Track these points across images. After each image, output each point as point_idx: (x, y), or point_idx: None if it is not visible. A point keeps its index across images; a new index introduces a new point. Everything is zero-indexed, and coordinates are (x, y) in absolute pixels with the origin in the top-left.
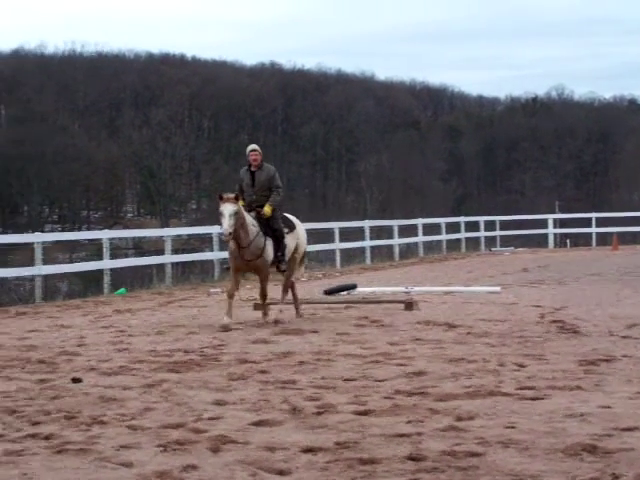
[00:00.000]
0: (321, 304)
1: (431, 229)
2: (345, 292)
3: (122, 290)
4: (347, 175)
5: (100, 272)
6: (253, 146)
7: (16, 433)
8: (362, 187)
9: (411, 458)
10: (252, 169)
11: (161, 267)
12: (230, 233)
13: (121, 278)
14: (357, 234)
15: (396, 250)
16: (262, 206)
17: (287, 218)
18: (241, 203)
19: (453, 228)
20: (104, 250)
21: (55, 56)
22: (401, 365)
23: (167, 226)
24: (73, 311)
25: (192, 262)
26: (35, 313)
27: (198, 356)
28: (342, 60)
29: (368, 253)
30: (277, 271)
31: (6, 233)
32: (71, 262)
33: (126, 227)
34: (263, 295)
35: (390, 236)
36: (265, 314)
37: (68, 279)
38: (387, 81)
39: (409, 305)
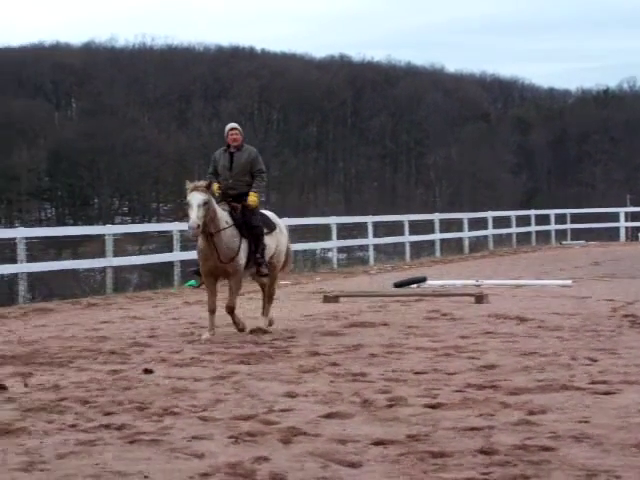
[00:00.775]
0: (391, 297)
1: (501, 222)
2: (415, 285)
3: (192, 282)
4: (416, 168)
5: (170, 264)
6: (233, 124)
7: (89, 423)
8: (431, 180)
9: (483, 452)
10: (231, 150)
11: None
12: (198, 226)
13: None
14: (426, 227)
15: (466, 243)
16: (239, 196)
17: (266, 216)
18: (216, 187)
19: (523, 221)
20: (174, 242)
21: (126, 49)
22: (472, 358)
23: None
24: (144, 302)
25: None
26: (106, 304)
27: (269, 348)
28: (412, 52)
29: (438, 246)
30: (258, 275)
31: (77, 225)
32: (140, 254)
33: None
34: (230, 306)
35: (460, 229)
36: (237, 324)
37: (138, 271)
38: (457, 73)
39: (479, 298)
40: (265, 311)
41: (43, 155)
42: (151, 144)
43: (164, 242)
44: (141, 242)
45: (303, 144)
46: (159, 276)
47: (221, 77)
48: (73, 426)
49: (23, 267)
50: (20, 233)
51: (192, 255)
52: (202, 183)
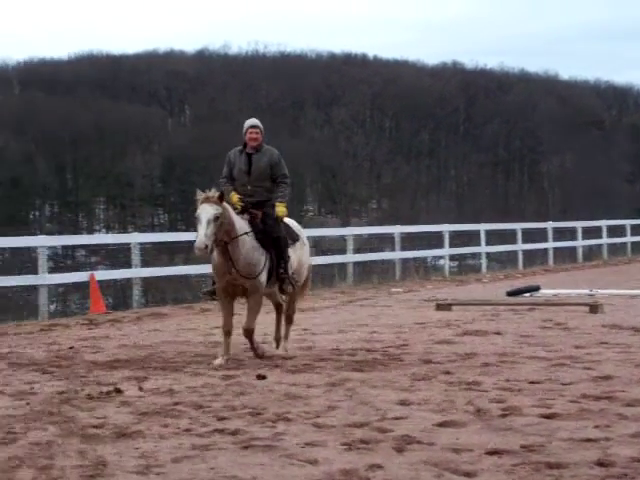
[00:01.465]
0: (504, 305)
1: (615, 231)
2: (528, 294)
3: None
4: (529, 176)
5: None
6: (253, 121)
7: (203, 428)
8: (544, 188)
9: (599, 464)
10: (248, 151)
11: (342, 266)
12: (206, 246)
13: None
14: (539, 235)
15: (579, 252)
16: (257, 204)
17: (289, 225)
18: (236, 198)
19: (638, 230)
20: None
21: (239, 56)
22: (587, 369)
23: (348, 225)
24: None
25: (373, 261)
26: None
27: (381, 355)
28: (525, 59)
29: (551, 254)
30: (280, 293)
31: (189, 231)
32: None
33: (307, 226)
34: (248, 329)
35: (573, 238)
36: (255, 349)
37: None
38: (571, 80)
39: (594, 308)
40: (285, 334)
41: (157, 161)
42: None
43: None
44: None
45: (415, 151)
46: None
47: (333, 84)
48: (188, 430)
49: (137, 272)
50: (134, 238)
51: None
52: (214, 194)
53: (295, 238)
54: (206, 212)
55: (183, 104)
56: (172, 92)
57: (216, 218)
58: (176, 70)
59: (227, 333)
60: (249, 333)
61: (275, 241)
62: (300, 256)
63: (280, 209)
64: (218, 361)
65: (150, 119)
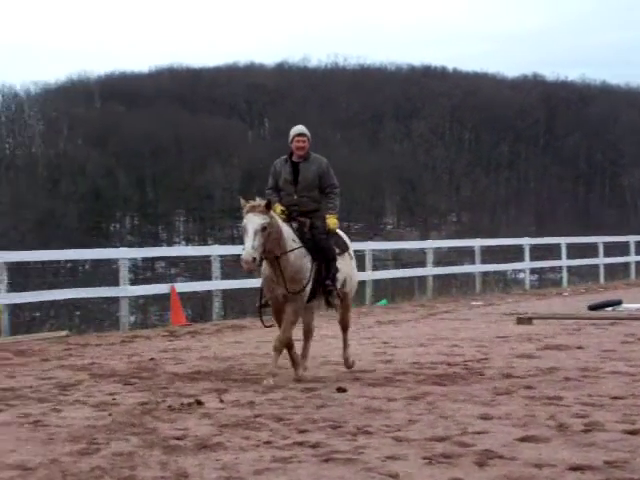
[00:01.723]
0: (586, 319)
1: None
2: (610, 308)
3: (384, 301)
4: (610, 189)
5: (361, 283)
6: (300, 128)
7: (283, 440)
8: (626, 201)
9: None
10: (295, 159)
11: (422, 279)
12: (254, 259)
13: (382, 289)
14: (621, 249)
15: None
16: (306, 213)
17: (338, 235)
18: (279, 210)
19: None
20: (366, 261)
21: (318, 69)
22: None
23: (427, 238)
24: (335, 321)
25: (452, 275)
26: (299, 322)
27: (462, 369)
28: (606, 71)
29: (633, 268)
30: (326, 306)
31: None
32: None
33: (386, 239)
34: (283, 341)
35: None
36: (295, 363)
37: None
38: None
39: None
40: (344, 344)
41: (236, 174)
42: (343, 163)
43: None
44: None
45: (495, 164)
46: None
47: (413, 97)
48: (268, 443)
49: (217, 284)
50: (215, 251)
51: (384, 275)
52: (261, 202)
53: (344, 248)
54: (253, 222)
55: (263, 117)
56: (252, 105)
57: (263, 228)
58: (256, 83)
59: (289, 348)
60: (282, 343)
61: (323, 252)
62: (350, 266)
63: (331, 221)
64: (267, 382)
65: (230, 132)
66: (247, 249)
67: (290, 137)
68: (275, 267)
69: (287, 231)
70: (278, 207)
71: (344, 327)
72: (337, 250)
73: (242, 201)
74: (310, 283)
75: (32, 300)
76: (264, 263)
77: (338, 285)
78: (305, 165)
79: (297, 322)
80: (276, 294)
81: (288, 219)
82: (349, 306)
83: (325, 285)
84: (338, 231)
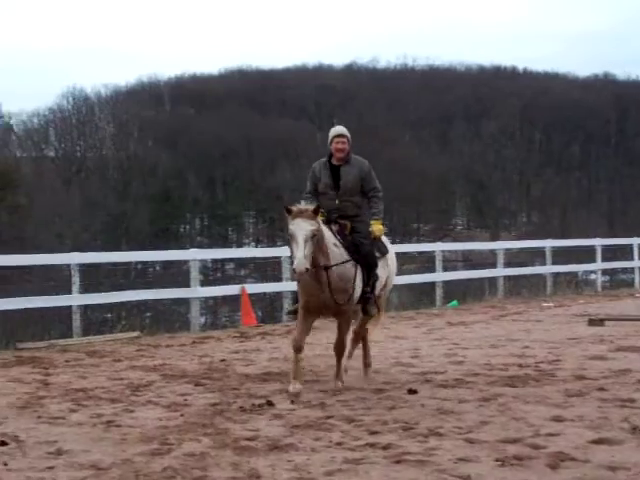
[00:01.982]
0: None
1: None
2: None
3: (454, 302)
4: None
5: (431, 284)
6: (340, 129)
7: (355, 442)
8: None
9: None
10: (335, 162)
11: (492, 280)
12: (307, 270)
13: (452, 290)
14: None
15: None
16: (347, 218)
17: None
18: (320, 217)
19: None
20: (437, 262)
21: (387, 70)
22: None
23: (497, 239)
24: (406, 322)
25: (523, 275)
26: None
27: (534, 371)
28: None
29: None
30: (363, 314)
31: None
32: (401, 274)
33: (455, 239)
34: (340, 349)
35: None
36: (339, 376)
37: (398, 290)
38: None
39: None
40: (365, 359)
41: (306, 175)
42: (412, 164)
43: (424, 262)
44: (401, 261)
45: (565, 164)
46: (421, 296)
47: (483, 97)
48: (339, 444)
49: (287, 285)
50: (284, 252)
51: (454, 276)
52: (309, 207)
53: (384, 251)
54: (302, 229)
55: (332, 118)
56: (321, 106)
57: (313, 235)
58: (325, 84)
59: (298, 349)
60: (341, 349)
61: (365, 258)
62: (389, 271)
63: (377, 227)
64: (292, 388)
65: (299, 133)
66: (299, 259)
67: (329, 138)
68: (320, 277)
69: (328, 235)
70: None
71: (365, 338)
72: (377, 254)
73: (287, 207)
74: (359, 290)
75: (104, 301)
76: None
77: (376, 294)
78: (346, 168)
79: (350, 328)
80: (314, 301)
81: (327, 221)
82: (381, 309)
83: (364, 292)
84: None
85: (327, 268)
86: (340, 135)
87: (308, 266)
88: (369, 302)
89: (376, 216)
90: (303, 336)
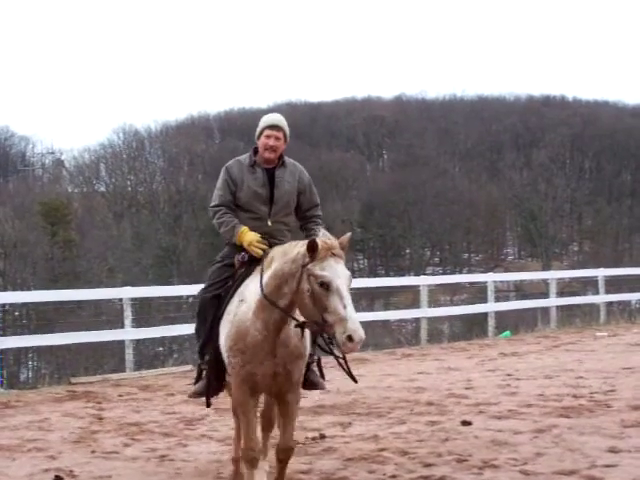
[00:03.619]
0: None
1: None
2: None
3: (507, 333)
4: None
5: (483, 315)
6: (275, 117)
7: (409, 474)
8: None
9: None
10: (267, 165)
11: (545, 310)
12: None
13: (504, 321)
14: None
15: None
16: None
17: None
18: (250, 236)
19: None
20: (488, 293)
21: (436, 100)
22: None
23: (549, 268)
24: (458, 353)
25: (576, 305)
26: (421, 355)
27: (588, 401)
28: None
29: None
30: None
31: (388, 276)
32: (452, 304)
33: (507, 270)
34: (290, 450)
35: None
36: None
37: (449, 321)
38: None
39: None
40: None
41: (356, 206)
42: (462, 194)
43: (476, 292)
44: (453, 292)
45: (617, 192)
46: (472, 327)
47: (532, 126)
48: (393, 477)
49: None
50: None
51: (506, 306)
52: (336, 242)
53: None
54: (343, 276)
55: (381, 149)
56: (370, 137)
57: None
58: (374, 115)
59: (253, 461)
60: (291, 450)
61: None
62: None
63: None
64: None
65: (349, 165)
66: (353, 319)
67: (258, 130)
68: (273, 336)
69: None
70: (249, 234)
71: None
72: None
73: (311, 242)
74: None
75: (156, 335)
76: (252, 322)
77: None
78: (282, 174)
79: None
80: (261, 370)
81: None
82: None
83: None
84: None
85: (304, 324)
86: (275, 126)
87: (364, 335)
88: (313, 371)
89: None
90: (256, 435)
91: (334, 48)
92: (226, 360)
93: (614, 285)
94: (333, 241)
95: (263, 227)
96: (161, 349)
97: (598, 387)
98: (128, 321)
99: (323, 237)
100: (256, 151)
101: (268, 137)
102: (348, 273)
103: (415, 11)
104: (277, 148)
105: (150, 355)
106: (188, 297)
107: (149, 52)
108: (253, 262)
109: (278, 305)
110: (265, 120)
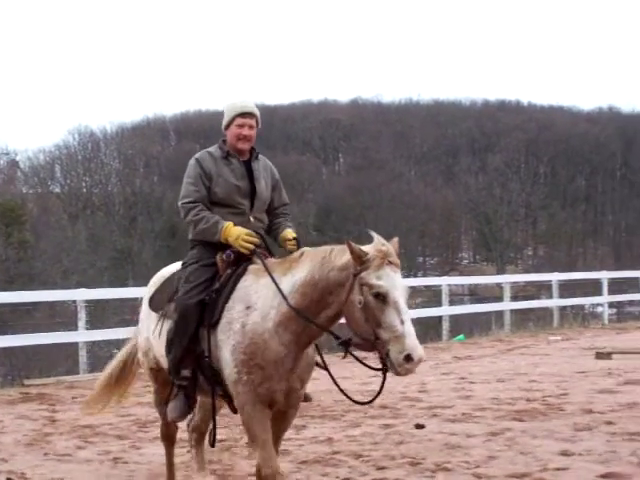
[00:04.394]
0: None
1: None
2: None
3: (461, 336)
4: None
5: (437, 318)
6: (248, 104)
7: (362, 477)
8: None
9: None
10: (243, 158)
11: (499, 314)
12: None
13: (458, 324)
14: None
15: None
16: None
17: None
18: (236, 232)
19: None
20: (443, 296)
21: (392, 104)
22: None
23: (503, 272)
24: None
25: (530, 309)
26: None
27: (541, 405)
28: None
29: None
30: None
31: None
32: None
33: (462, 273)
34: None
35: None
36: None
37: None
38: None
39: None
40: None
41: (312, 209)
42: (418, 198)
43: (430, 296)
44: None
45: (571, 197)
46: (427, 330)
47: (487, 131)
48: (347, 479)
49: None
50: None
51: (460, 310)
52: (392, 248)
53: None
54: (401, 287)
55: (337, 152)
56: (326, 141)
57: None
58: (330, 119)
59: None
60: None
61: None
62: None
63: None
64: None
65: (305, 167)
66: (415, 339)
67: (229, 117)
68: (301, 351)
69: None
70: (234, 229)
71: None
72: None
73: (357, 254)
74: None
75: (110, 337)
76: (272, 333)
77: None
78: (258, 167)
79: None
80: (279, 387)
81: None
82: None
83: None
84: None
85: (349, 341)
86: (247, 114)
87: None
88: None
89: (290, 226)
90: (276, 457)
91: (291, 51)
92: (232, 376)
93: (568, 289)
94: (389, 247)
95: (244, 223)
96: (116, 351)
97: (551, 391)
98: (82, 323)
99: (377, 243)
100: (224, 142)
101: (241, 126)
102: (405, 284)
103: (370, 15)
104: (251, 137)
105: (105, 357)
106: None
107: (104, 53)
108: (240, 261)
109: (314, 320)
110: (235, 107)
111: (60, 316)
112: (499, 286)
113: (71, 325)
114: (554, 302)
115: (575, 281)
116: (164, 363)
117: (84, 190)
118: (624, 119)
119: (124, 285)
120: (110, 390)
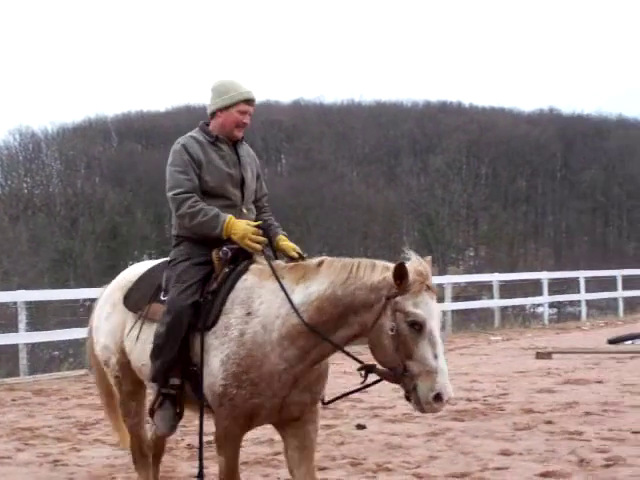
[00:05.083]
0: (606, 353)
1: None
2: (630, 341)
3: None
4: (628, 222)
5: None
6: (250, 90)
7: None
8: None
9: None
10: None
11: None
12: None
13: None
14: None
15: None
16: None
17: None
18: (249, 230)
19: None
20: None
21: (334, 105)
22: None
23: (445, 273)
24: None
25: (471, 309)
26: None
27: (482, 405)
28: (623, 105)
29: None
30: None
31: None
32: None
33: None
34: None
35: None
36: None
37: None
38: None
39: None
40: None
41: None
42: (360, 199)
43: None
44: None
45: (512, 198)
46: None
47: (429, 132)
48: None
49: None
50: None
51: None
52: (429, 270)
53: None
54: (439, 318)
55: (279, 153)
56: (268, 142)
57: None
58: (272, 120)
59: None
60: None
61: None
62: None
63: (291, 246)
64: None
65: None
66: (447, 377)
67: (230, 101)
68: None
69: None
70: (239, 223)
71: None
72: None
73: (400, 272)
74: None
75: (51, 339)
76: (284, 341)
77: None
78: (243, 153)
79: None
80: (280, 402)
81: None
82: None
83: None
84: None
85: (372, 367)
86: (252, 100)
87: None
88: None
89: (284, 233)
90: (239, 474)
91: (232, 52)
92: (217, 388)
93: (509, 290)
94: (427, 269)
95: (236, 216)
96: (57, 353)
97: (492, 391)
98: (22, 325)
99: (415, 262)
100: (207, 125)
101: (243, 113)
102: (441, 313)
103: (313, 16)
104: (247, 126)
105: (45, 359)
106: (85, 301)
107: (44, 53)
108: (237, 258)
109: (330, 338)
110: (240, 90)
111: (0, 318)
112: (440, 287)
113: (11, 327)
114: (495, 302)
115: (516, 281)
116: (144, 371)
117: (25, 191)
118: (564, 121)
119: (65, 286)
120: (115, 410)
